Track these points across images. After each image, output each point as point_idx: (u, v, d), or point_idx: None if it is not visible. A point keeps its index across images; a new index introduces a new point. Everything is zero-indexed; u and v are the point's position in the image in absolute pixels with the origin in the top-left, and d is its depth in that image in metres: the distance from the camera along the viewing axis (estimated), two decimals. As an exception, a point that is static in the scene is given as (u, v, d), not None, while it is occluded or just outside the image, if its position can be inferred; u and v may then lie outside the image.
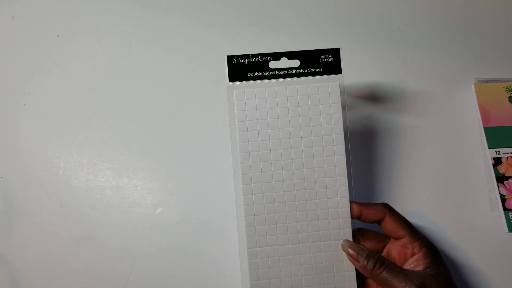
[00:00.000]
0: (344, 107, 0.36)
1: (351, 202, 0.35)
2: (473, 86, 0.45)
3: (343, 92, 0.36)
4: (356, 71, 0.46)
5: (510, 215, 0.40)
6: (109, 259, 0.41)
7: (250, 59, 0.36)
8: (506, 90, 0.45)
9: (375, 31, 0.48)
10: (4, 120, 0.45)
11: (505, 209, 0.41)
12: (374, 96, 0.45)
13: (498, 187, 0.41)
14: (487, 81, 0.45)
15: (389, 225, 0.34)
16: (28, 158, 0.44)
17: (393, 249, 0.34)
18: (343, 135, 0.35)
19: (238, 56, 0.36)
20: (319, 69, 0.36)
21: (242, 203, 0.34)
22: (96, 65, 0.47)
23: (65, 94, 0.46)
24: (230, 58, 0.36)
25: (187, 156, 0.44)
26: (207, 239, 0.41)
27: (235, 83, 0.36)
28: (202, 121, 0.45)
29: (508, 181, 0.41)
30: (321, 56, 0.36)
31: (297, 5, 0.49)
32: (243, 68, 0.36)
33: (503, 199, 0.41)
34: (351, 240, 0.34)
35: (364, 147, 0.43)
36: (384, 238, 0.35)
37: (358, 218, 0.35)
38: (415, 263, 0.33)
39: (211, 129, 0.44)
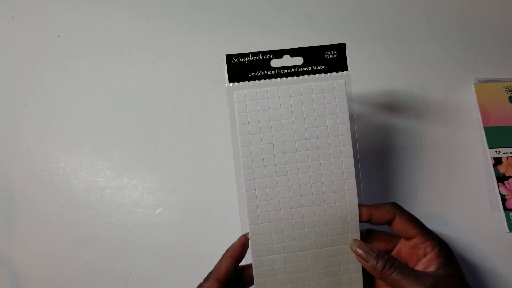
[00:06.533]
0: (351, 107, 0.34)
1: (359, 206, 0.33)
2: (473, 86, 0.45)
3: (351, 90, 0.34)
4: (355, 71, 0.46)
5: (510, 215, 0.40)
6: (109, 259, 0.41)
7: (251, 58, 0.34)
8: (506, 90, 0.45)
9: (374, 31, 0.48)
10: (4, 120, 0.45)
11: (505, 209, 0.41)
12: (373, 96, 0.45)
13: (498, 187, 0.41)
14: (487, 81, 0.45)
15: (399, 225, 0.32)
16: (28, 158, 0.44)
17: (404, 249, 0.33)
18: (350, 135, 0.33)
19: (237, 55, 0.34)
20: (324, 67, 0.34)
21: (246, 211, 0.32)
22: (96, 65, 0.47)
23: (65, 94, 0.46)
24: (229, 57, 0.34)
25: (187, 156, 0.44)
26: (207, 239, 0.41)
27: (235, 84, 0.34)
28: (202, 121, 0.45)
29: (508, 181, 0.41)
30: (326, 53, 0.34)
31: (297, 5, 0.49)
32: (243, 67, 0.34)
33: (503, 199, 0.41)
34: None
35: (362, 149, 0.43)
36: (394, 238, 0.34)
37: (368, 221, 0.33)
38: (427, 263, 0.31)
39: (212, 129, 0.44)
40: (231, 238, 0.36)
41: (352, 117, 0.33)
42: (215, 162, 0.43)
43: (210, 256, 0.40)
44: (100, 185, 0.43)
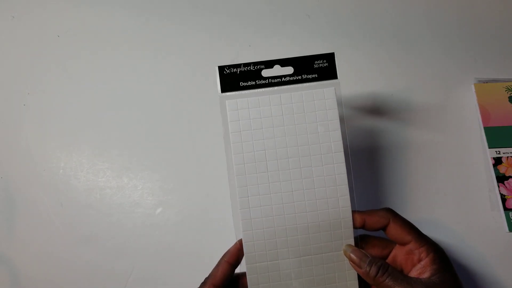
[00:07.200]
0: (342, 113, 0.34)
1: (353, 212, 0.33)
2: (473, 86, 0.45)
3: (340, 97, 0.35)
4: (354, 71, 0.46)
5: (510, 215, 0.40)
6: (109, 259, 0.41)
7: (242, 68, 0.35)
8: (506, 90, 0.45)
9: (374, 31, 0.48)
10: (4, 120, 0.45)
11: (505, 209, 0.41)
12: (373, 97, 0.45)
13: (498, 187, 0.41)
14: (487, 81, 0.46)
15: (394, 231, 0.32)
16: (28, 158, 0.44)
17: (399, 255, 0.33)
18: (341, 141, 0.33)
19: (229, 66, 0.35)
20: (313, 75, 0.35)
21: (240, 218, 0.33)
22: (96, 65, 0.47)
23: (65, 94, 0.46)
24: (221, 68, 0.35)
25: (187, 156, 0.44)
26: (207, 239, 0.41)
27: (228, 93, 0.35)
28: (202, 120, 0.45)
29: (508, 181, 0.41)
30: (315, 62, 0.35)
31: (297, 5, 0.49)
32: (235, 78, 0.35)
33: (503, 199, 0.41)
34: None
35: (363, 149, 0.43)
36: (389, 243, 0.34)
37: (362, 227, 0.33)
38: (421, 269, 0.31)
39: (212, 128, 0.44)
40: (231, 238, 0.36)
41: (343, 123, 0.34)
42: (215, 162, 0.43)
43: (210, 256, 0.40)
44: (100, 185, 0.43)
